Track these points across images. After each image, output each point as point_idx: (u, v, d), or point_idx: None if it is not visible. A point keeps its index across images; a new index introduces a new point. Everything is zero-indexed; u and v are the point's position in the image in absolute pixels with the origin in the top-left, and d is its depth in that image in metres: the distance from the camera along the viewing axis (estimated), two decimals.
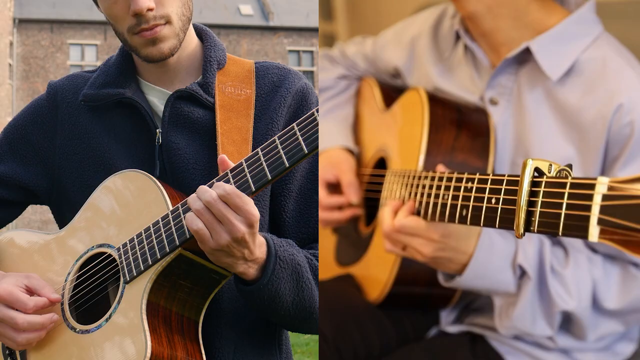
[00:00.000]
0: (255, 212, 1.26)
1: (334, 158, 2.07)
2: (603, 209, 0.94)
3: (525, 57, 1.73)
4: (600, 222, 0.94)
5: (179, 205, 1.32)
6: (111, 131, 1.51)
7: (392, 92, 2.07)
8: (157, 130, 1.47)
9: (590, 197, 0.96)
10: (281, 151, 1.25)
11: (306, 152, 1.24)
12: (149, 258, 1.32)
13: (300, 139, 1.24)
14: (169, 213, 1.32)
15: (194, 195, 1.28)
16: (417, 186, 1.58)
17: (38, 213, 25.71)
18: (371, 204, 2.01)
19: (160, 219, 1.33)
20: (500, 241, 1.63)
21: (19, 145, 1.57)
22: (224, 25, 29.08)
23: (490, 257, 1.61)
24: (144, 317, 1.30)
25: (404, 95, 1.95)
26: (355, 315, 1.92)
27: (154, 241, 1.32)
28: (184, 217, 1.29)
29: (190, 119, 1.48)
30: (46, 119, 1.57)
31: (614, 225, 0.92)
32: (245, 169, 1.27)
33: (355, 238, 2.08)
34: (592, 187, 0.96)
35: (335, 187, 2.04)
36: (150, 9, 1.39)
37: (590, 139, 1.64)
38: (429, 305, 1.91)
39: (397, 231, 1.59)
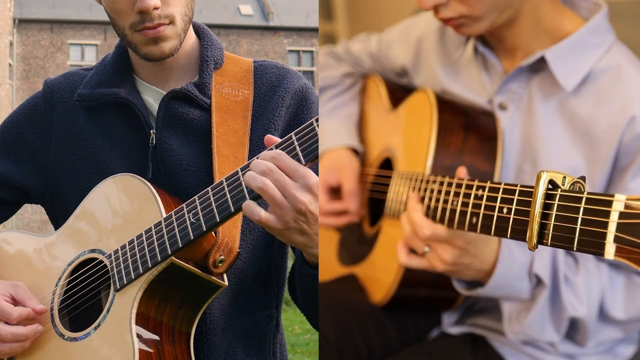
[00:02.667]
0: (312, 175, 1.18)
1: (337, 160, 2.03)
2: (620, 227, 0.93)
3: (539, 65, 1.71)
4: (616, 239, 0.94)
5: (172, 213, 1.29)
6: (106, 132, 1.48)
7: (398, 91, 2.05)
8: (151, 131, 1.45)
9: (607, 214, 0.96)
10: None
11: (303, 163, 1.19)
12: (140, 266, 1.29)
13: (298, 149, 1.20)
14: (162, 220, 1.29)
15: (252, 167, 1.19)
16: (425, 190, 1.57)
17: (38, 213, 25.66)
18: (376, 204, 2.00)
19: (153, 226, 1.30)
20: (518, 250, 1.61)
21: (13, 144, 1.55)
22: (224, 25, 29.06)
23: (510, 267, 1.59)
24: (133, 327, 1.27)
25: (412, 96, 1.93)
26: (358, 317, 1.91)
27: (146, 249, 1.29)
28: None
29: (185, 120, 1.45)
30: (42, 118, 1.54)
31: (631, 244, 0.91)
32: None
33: (359, 238, 2.07)
34: (609, 203, 0.96)
35: (335, 192, 2.02)
36: (156, 8, 1.37)
37: (600, 149, 1.63)
38: (433, 308, 1.91)
39: (427, 239, 1.53)
